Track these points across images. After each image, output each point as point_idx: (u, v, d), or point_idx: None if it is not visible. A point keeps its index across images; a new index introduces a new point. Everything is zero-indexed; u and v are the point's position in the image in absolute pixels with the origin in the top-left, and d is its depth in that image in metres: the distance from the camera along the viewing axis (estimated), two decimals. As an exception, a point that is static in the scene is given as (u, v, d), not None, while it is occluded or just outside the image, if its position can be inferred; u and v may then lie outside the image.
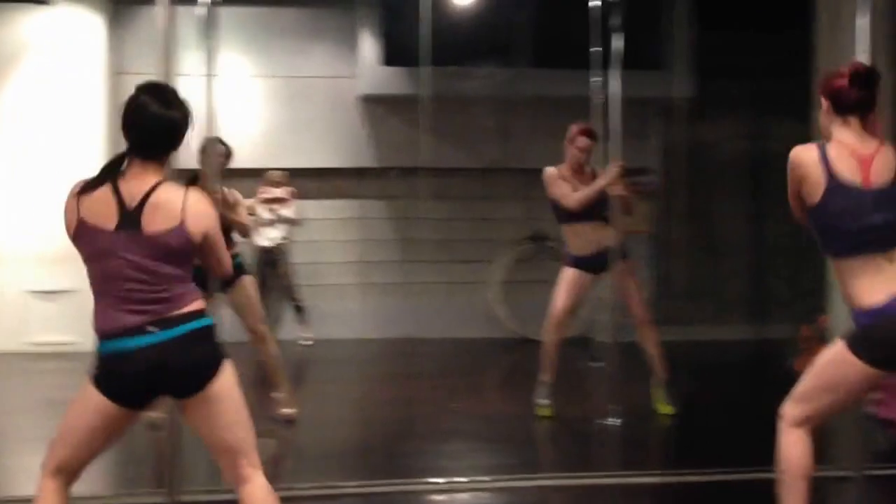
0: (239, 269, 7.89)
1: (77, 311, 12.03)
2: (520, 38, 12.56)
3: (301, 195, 12.92)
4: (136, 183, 4.12)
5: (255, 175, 12.47)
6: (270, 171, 12.48)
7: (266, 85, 12.80)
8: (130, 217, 4.07)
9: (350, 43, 12.60)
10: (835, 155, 4.48)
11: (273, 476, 6.76)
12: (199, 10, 7.98)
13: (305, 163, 12.82)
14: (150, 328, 4.08)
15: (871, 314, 4.39)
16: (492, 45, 12.04)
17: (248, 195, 12.53)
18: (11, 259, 11.59)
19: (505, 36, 12.29)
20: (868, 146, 4.52)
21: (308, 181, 13.00)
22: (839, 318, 8.65)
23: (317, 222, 13.18)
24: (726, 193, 12.88)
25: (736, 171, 12.91)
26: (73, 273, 12.83)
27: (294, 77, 12.80)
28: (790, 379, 9.85)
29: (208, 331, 4.24)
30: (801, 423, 4.70)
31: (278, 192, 12.46)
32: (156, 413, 7.23)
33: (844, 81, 4.55)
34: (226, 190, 7.81)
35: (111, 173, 4.15)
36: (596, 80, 8.89)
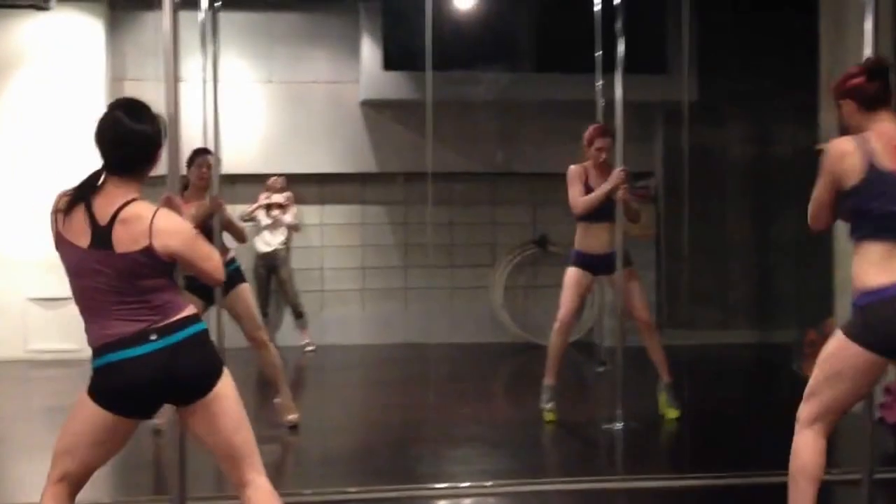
0: (235, 277, 7.87)
1: (77, 318, 12.00)
2: (523, 42, 12.53)
3: (303, 201, 12.91)
4: (108, 200, 4.09)
5: (257, 180, 12.46)
6: (270, 177, 12.47)
7: (268, 90, 12.78)
8: (102, 235, 4.05)
9: (352, 48, 12.57)
10: (874, 142, 4.57)
11: (277, 482, 6.73)
12: (201, 16, 8.00)
13: (307, 168, 12.80)
14: (152, 336, 4.06)
15: (869, 294, 4.47)
16: (495, 49, 12.00)
17: (249, 201, 12.55)
18: (11, 266, 11.56)
19: (508, 40, 12.26)
20: None
21: (310, 187, 12.99)
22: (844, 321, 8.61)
23: (319, 228, 13.16)
24: (731, 197, 12.85)
25: (740, 174, 12.88)
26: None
27: (296, 82, 12.78)
28: (796, 383, 9.82)
29: (205, 336, 4.23)
30: (812, 420, 4.68)
31: (278, 198, 12.44)
32: (159, 419, 7.22)
33: (861, 78, 4.65)
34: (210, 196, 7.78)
35: (86, 190, 4.13)
36: (600, 83, 8.88)
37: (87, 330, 4.16)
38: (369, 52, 12.41)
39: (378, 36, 12.37)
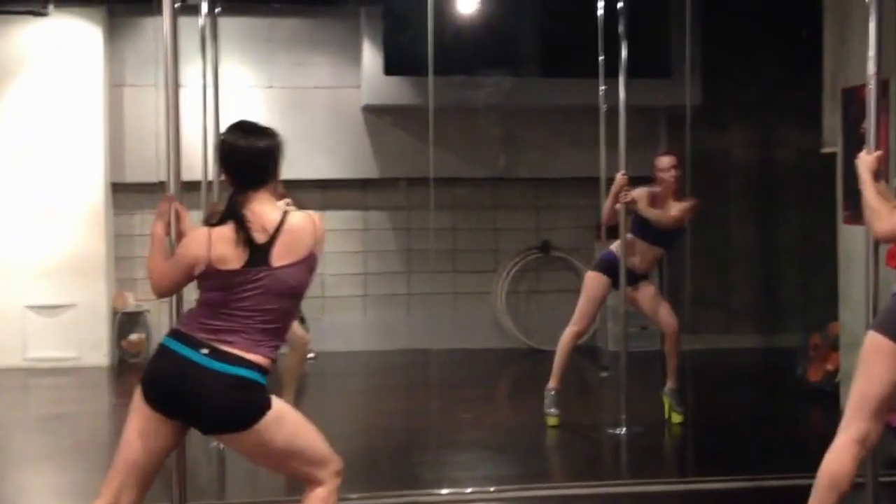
0: None
1: (75, 326, 12.04)
2: (526, 46, 12.51)
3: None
4: (259, 216, 4.28)
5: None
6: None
7: (268, 95, 12.74)
8: (260, 252, 4.17)
9: (353, 53, 12.54)
10: None
11: (279, 488, 6.72)
12: (201, 21, 7.99)
13: (309, 174, 12.74)
14: (203, 350, 4.09)
15: None
16: (497, 53, 11.97)
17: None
18: (9, 274, 11.53)
19: (510, 44, 12.23)
20: None
21: (311, 192, 12.94)
22: (849, 326, 8.59)
23: (321, 234, 13.12)
24: (735, 201, 12.81)
25: (745, 179, 12.86)
26: (72, 288, 12.79)
27: (297, 87, 12.74)
28: (800, 387, 9.82)
29: (251, 383, 4.14)
30: (860, 436, 4.58)
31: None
32: None
33: None
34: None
35: (235, 211, 4.26)
36: (603, 88, 8.87)
37: (187, 316, 4.26)
38: (370, 57, 12.38)
39: (379, 41, 12.33)
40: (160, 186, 4.66)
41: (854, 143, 5.55)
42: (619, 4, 8.21)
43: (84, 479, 6.60)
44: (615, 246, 8.31)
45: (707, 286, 12.38)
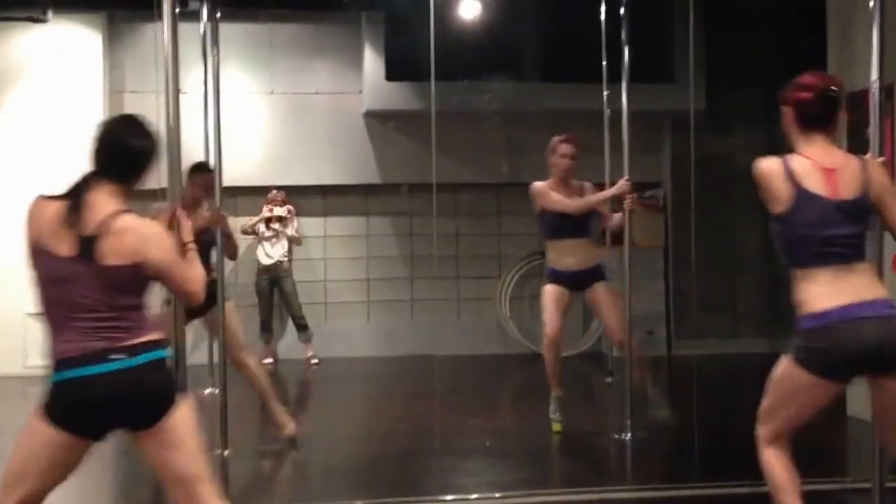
0: (215, 295, 7.70)
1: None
2: (528, 51, 12.48)
3: (306, 213, 12.86)
4: (96, 209, 4.09)
5: (259, 193, 12.42)
6: (272, 189, 12.42)
7: (270, 101, 12.73)
8: (87, 245, 4.05)
9: (354, 58, 12.53)
10: (799, 167, 4.57)
11: (283, 496, 6.70)
12: (201, 27, 7.97)
13: (310, 180, 12.76)
14: (113, 356, 4.01)
15: (813, 318, 4.49)
16: (499, 58, 11.95)
17: (251, 213, 12.50)
18: (10, 280, 11.48)
19: (513, 49, 12.21)
20: (834, 159, 4.56)
21: (313, 198, 12.95)
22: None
23: (323, 240, 13.11)
24: (739, 206, 12.79)
25: (748, 183, 12.79)
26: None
27: (298, 93, 12.73)
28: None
29: (165, 362, 4.19)
30: (772, 440, 4.85)
31: (280, 211, 12.38)
32: (290, 427, 7.24)
33: (810, 95, 4.58)
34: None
35: (75, 196, 4.15)
36: (606, 93, 8.85)
37: (51, 340, 4.11)
38: (372, 62, 12.36)
39: (380, 46, 12.32)
40: (161, 193, 4.62)
41: (859, 147, 5.52)
42: (622, 9, 8.18)
43: (84, 487, 6.60)
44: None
45: (712, 291, 12.37)
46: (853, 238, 4.47)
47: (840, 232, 4.45)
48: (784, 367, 4.62)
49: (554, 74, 12.25)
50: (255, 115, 12.63)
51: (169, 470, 4.15)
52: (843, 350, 4.39)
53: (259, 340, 12.43)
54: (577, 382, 8.31)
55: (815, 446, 7.54)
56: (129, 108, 12.23)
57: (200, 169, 7.76)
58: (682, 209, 12.46)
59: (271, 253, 12.42)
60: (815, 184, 4.50)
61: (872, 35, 5.32)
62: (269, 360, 12.44)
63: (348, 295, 13.12)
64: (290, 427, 8.05)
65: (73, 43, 11.92)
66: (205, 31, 7.95)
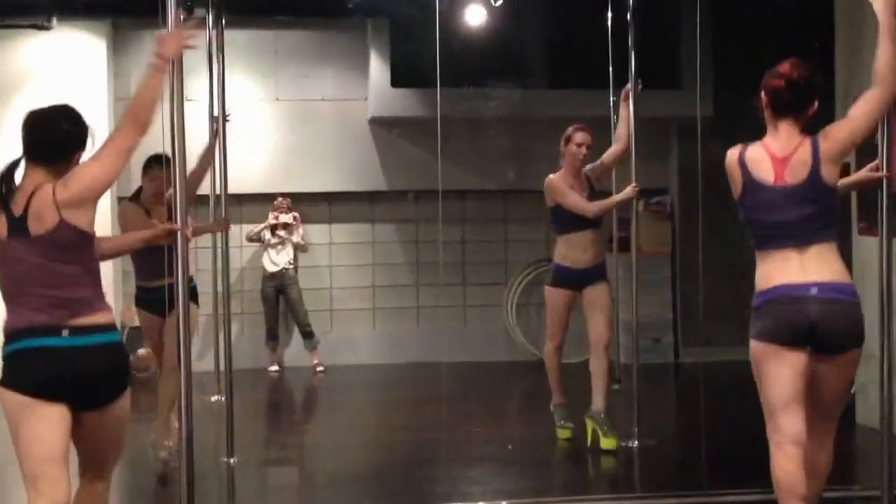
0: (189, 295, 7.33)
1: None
2: (534, 57, 12.47)
3: (312, 220, 12.85)
4: (24, 190, 4.29)
5: (265, 200, 12.40)
6: (277, 196, 12.39)
7: (275, 108, 12.72)
8: (17, 224, 4.20)
9: (360, 65, 12.53)
10: (751, 155, 4.84)
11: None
12: (206, 34, 7.96)
13: (316, 187, 12.74)
14: (64, 332, 4.15)
15: (760, 294, 4.81)
16: (505, 65, 11.93)
17: (256, 220, 12.49)
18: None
19: (519, 56, 12.20)
20: (788, 146, 4.79)
21: (319, 205, 12.94)
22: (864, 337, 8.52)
23: (328, 247, 13.10)
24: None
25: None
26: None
27: (303, 100, 12.72)
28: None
29: (120, 347, 4.37)
30: (777, 438, 5.01)
31: (286, 218, 12.35)
32: (165, 452, 7.14)
33: (780, 83, 4.68)
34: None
35: (4, 181, 4.32)
36: (613, 99, 8.83)
37: (7, 315, 4.26)
38: (377, 69, 12.36)
39: (386, 53, 12.32)
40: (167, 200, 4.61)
41: (867, 154, 5.51)
42: (629, 15, 8.17)
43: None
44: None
45: (720, 298, 12.32)
46: (803, 221, 4.69)
47: (786, 217, 4.71)
48: (750, 350, 4.87)
49: (560, 81, 12.25)
50: (261, 121, 12.62)
51: (93, 452, 4.41)
52: (786, 322, 4.65)
53: (265, 348, 12.42)
54: (583, 389, 8.25)
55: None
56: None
57: (158, 161, 7.12)
58: (689, 216, 12.42)
59: (277, 260, 12.39)
60: (763, 172, 4.75)
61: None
62: (275, 367, 12.43)
63: (354, 302, 13.10)
64: (164, 452, 7.31)
65: (78, 50, 11.90)
66: (210, 39, 7.94)
